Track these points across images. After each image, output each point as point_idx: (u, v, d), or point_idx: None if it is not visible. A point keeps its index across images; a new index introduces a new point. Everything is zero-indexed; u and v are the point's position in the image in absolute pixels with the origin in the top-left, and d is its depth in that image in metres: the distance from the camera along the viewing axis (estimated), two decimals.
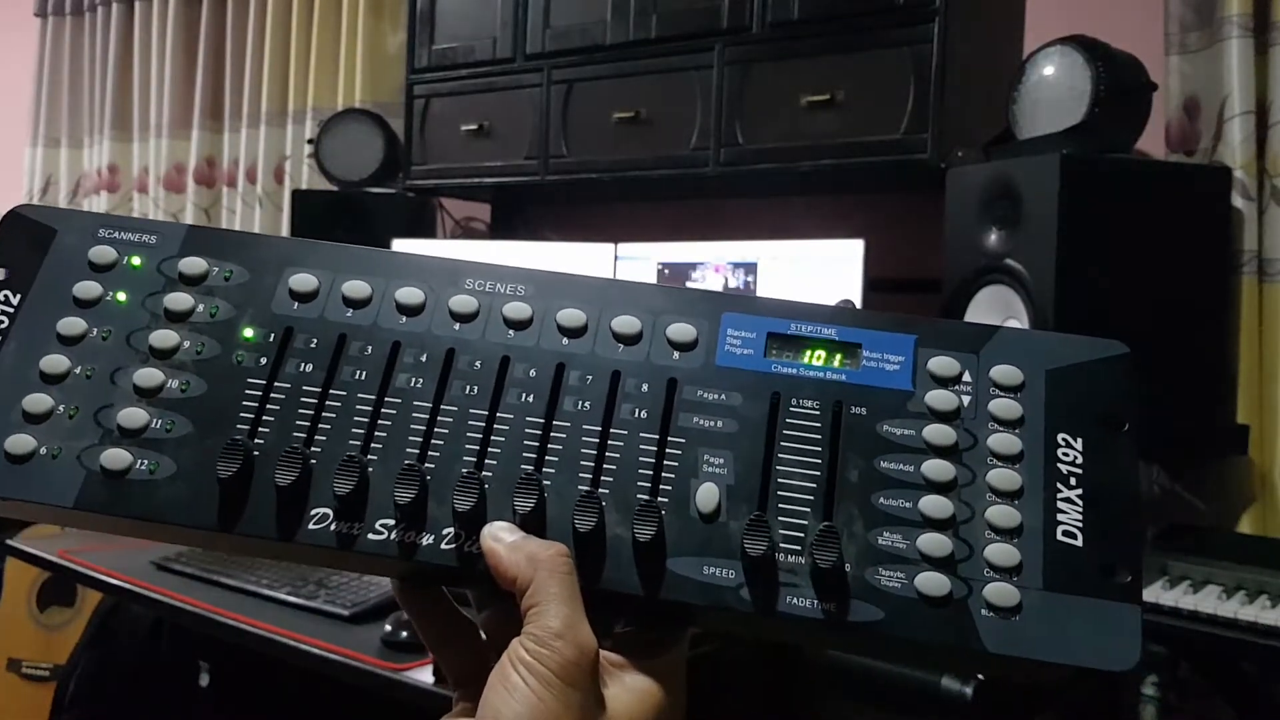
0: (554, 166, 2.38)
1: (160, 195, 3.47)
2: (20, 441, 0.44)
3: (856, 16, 1.97)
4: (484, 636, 0.47)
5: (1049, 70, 1.73)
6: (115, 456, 0.43)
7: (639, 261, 2.32)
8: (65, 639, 2.57)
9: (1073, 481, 0.42)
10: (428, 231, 2.77)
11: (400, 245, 2.55)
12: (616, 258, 2.34)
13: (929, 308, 1.96)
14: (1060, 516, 0.42)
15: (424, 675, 1.36)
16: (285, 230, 3.02)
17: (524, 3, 2.41)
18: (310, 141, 2.82)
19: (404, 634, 1.43)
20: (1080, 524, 0.41)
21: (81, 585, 2.51)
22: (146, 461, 0.44)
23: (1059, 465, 0.43)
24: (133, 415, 0.44)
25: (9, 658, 2.62)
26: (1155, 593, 1.45)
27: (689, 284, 2.25)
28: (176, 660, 2.23)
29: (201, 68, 3.36)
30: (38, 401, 0.44)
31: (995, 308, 1.74)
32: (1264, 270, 1.77)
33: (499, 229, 2.94)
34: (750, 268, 2.16)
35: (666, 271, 2.28)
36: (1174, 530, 1.74)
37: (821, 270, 2.06)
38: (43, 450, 0.44)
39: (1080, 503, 0.42)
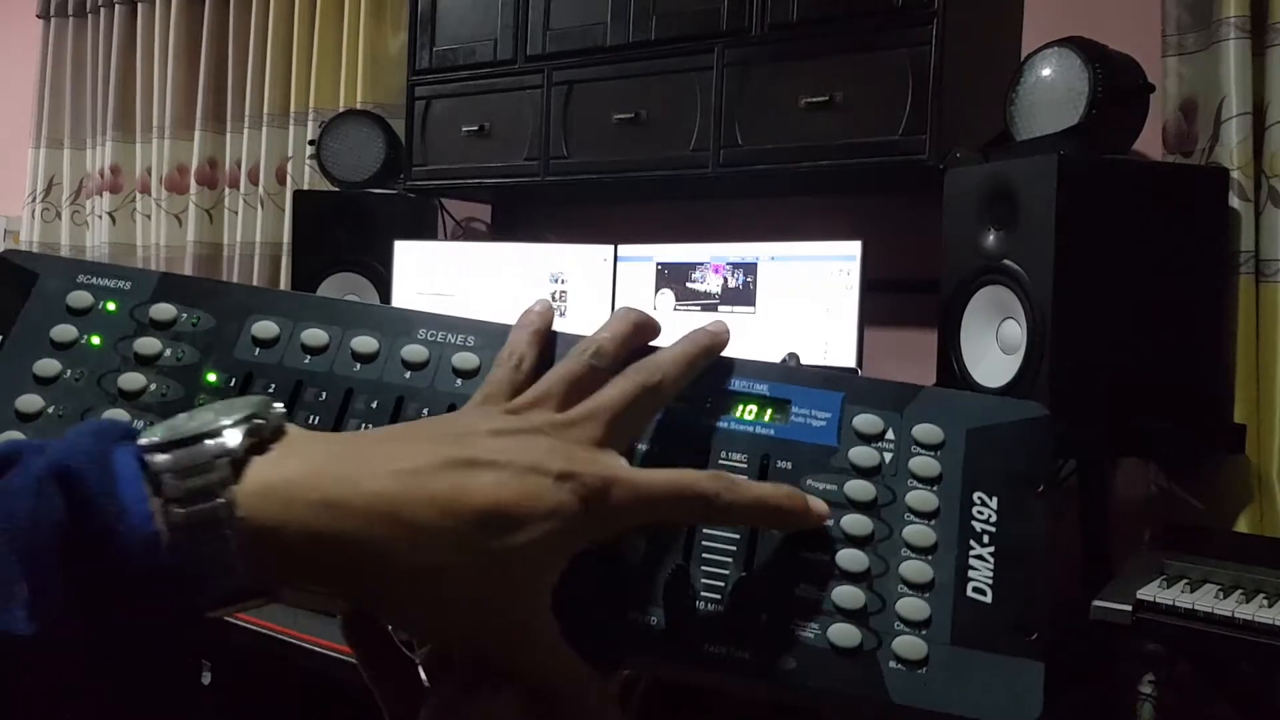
0: (554, 167, 2.39)
1: (163, 196, 3.48)
2: None
3: (855, 18, 1.98)
4: (423, 676, 0.49)
5: (1047, 72, 1.74)
6: None
7: (639, 262, 2.33)
8: None
9: (985, 539, 0.43)
10: (429, 232, 2.78)
11: (402, 246, 2.56)
12: (617, 258, 2.35)
13: (927, 308, 1.97)
14: (971, 573, 0.42)
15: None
16: (288, 231, 3.03)
17: (524, 5, 2.42)
18: (312, 143, 2.82)
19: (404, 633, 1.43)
20: (990, 581, 0.42)
21: None
22: None
23: (973, 523, 0.43)
24: None
25: None
26: (1153, 591, 1.46)
27: (688, 284, 2.26)
28: (178, 658, 2.24)
29: (204, 69, 3.37)
30: (11, 439, 0.45)
31: (993, 308, 1.75)
32: (1261, 270, 1.78)
33: (499, 229, 2.95)
34: (749, 268, 2.17)
35: (666, 272, 2.29)
36: (1171, 529, 1.75)
37: (820, 271, 2.07)
38: None
39: (991, 560, 0.42)
